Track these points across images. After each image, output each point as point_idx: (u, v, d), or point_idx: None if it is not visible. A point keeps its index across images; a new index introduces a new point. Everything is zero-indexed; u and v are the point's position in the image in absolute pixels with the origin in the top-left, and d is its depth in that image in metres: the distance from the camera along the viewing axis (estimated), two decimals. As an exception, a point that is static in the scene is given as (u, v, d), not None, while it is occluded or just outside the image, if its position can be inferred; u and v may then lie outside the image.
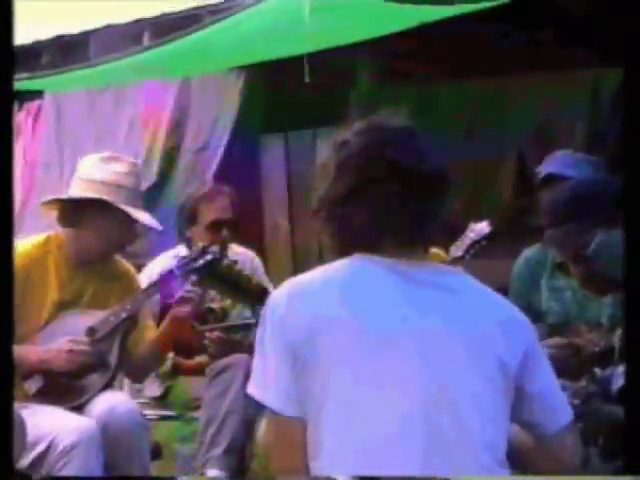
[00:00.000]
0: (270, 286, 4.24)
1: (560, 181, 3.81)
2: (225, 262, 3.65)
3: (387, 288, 2.13)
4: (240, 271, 3.72)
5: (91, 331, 3.54)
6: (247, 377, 3.89)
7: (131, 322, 3.63)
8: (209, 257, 3.67)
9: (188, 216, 4.33)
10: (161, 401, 4.28)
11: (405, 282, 2.13)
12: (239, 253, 4.45)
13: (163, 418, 4.29)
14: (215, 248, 3.75)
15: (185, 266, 3.65)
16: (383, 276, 2.14)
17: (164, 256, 4.40)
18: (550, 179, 3.97)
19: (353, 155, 2.18)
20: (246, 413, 3.88)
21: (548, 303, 3.92)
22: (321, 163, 2.24)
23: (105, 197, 3.57)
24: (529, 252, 4.01)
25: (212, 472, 3.92)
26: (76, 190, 3.64)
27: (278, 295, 2.17)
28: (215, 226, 4.27)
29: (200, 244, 3.79)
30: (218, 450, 3.91)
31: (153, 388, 4.25)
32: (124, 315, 3.57)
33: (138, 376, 3.98)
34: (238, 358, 3.98)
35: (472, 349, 2.10)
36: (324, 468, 2.05)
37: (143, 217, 3.63)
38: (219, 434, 3.91)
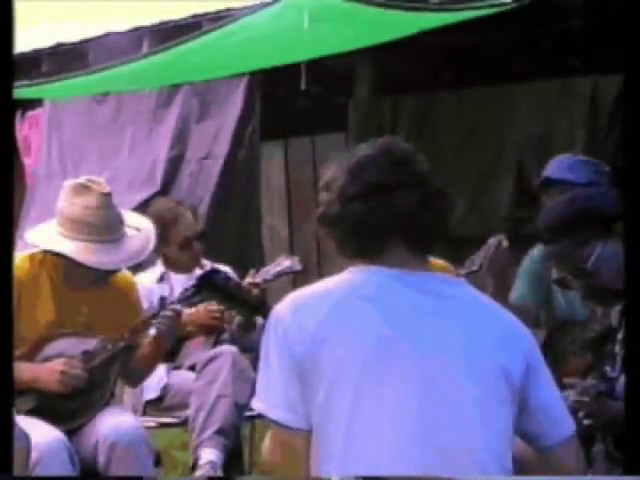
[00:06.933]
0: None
1: (558, 185, 3.84)
2: (222, 275, 3.74)
3: (390, 298, 2.15)
4: (238, 284, 3.82)
5: (87, 356, 3.50)
6: (235, 365, 4.03)
7: (129, 351, 3.60)
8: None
9: (159, 238, 4.38)
10: (159, 404, 4.28)
11: (408, 291, 2.15)
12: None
13: (163, 425, 4.29)
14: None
15: (186, 300, 3.69)
16: (387, 286, 2.15)
17: (146, 277, 4.40)
18: (548, 184, 4.00)
19: (375, 157, 2.20)
20: (237, 398, 3.97)
21: (556, 298, 3.98)
22: (337, 163, 2.23)
23: (67, 249, 3.46)
24: (535, 250, 4.07)
25: (207, 452, 3.93)
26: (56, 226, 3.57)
27: (282, 309, 2.17)
28: (186, 244, 4.46)
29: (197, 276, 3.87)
30: (210, 431, 3.96)
31: (150, 390, 4.25)
32: (121, 345, 3.53)
33: (135, 382, 3.99)
34: (223, 349, 4.15)
35: (474, 359, 2.11)
36: (331, 473, 2.07)
37: (99, 259, 3.49)
38: (210, 418, 3.98)
